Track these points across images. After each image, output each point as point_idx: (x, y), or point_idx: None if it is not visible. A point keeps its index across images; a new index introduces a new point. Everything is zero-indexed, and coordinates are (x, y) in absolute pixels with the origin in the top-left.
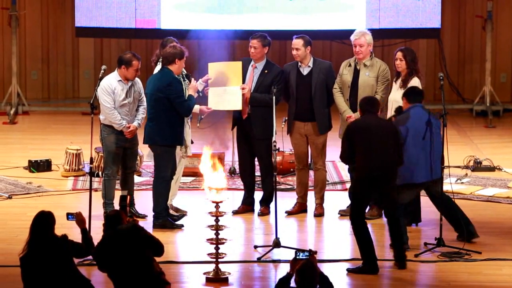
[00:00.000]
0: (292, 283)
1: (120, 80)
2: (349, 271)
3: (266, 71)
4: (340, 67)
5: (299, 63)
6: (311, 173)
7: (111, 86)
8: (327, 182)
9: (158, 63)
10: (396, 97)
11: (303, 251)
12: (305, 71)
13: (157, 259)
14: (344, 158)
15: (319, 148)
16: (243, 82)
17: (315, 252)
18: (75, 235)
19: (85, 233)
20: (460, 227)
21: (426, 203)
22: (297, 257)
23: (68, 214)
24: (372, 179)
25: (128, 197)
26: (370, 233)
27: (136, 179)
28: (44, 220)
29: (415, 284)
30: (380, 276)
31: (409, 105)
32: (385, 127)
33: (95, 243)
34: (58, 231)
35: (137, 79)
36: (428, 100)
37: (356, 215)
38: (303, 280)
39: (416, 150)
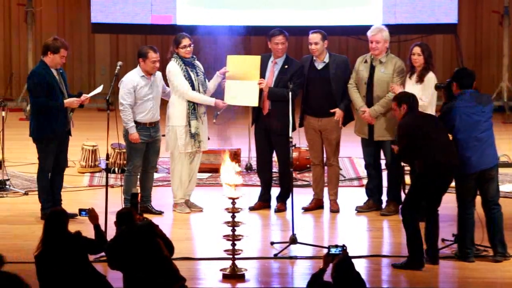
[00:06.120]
0: (326, 278)
1: (143, 76)
2: (395, 266)
3: (286, 66)
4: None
5: (314, 58)
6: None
7: (133, 83)
8: (343, 178)
9: (172, 59)
10: (412, 92)
11: (336, 246)
12: (319, 66)
13: (174, 255)
14: (406, 155)
15: (332, 144)
16: (263, 78)
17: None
18: (89, 231)
19: (98, 229)
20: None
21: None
22: (330, 252)
23: (80, 210)
24: (448, 170)
25: (139, 195)
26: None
27: None
28: (57, 218)
29: (432, 280)
30: (397, 273)
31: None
32: (436, 120)
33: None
34: (76, 227)
35: (157, 72)
36: None
37: (413, 209)
38: (341, 274)
39: None
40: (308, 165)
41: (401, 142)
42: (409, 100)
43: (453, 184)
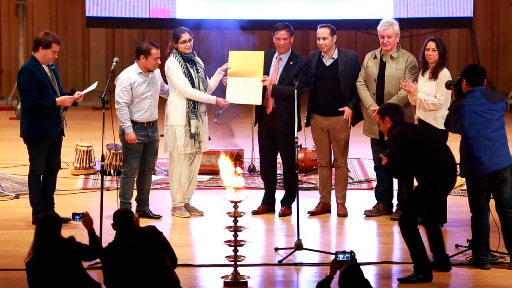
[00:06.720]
0: (333, 286)
1: (141, 73)
2: (401, 281)
3: (291, 63)
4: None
5: (322, 54)
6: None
7: (130, 80)
8: (352, 181)
9: (171, 55)
10: (426, 90)
11: (343, 252)
12: (328, 62)
13: None
14: (401, 169)
15: (341, 145)
16: (267, 74)
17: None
18: (83, 236)
19: (93, 234)
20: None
21: (454, 203)
22: (338, 259)
23: (74, 214)
24: (449, 178)
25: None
26: (422, 240)
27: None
28: (49, 223)
29: None
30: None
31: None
32: (429, 129)
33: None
34: (69, 232)
35: (156, 69)
36: None
37: (413, 220)
38: (349, 281)
39: None
40: (314, 167)
41: (393, 157)
42: (391, 111)
43: (465, 187)
